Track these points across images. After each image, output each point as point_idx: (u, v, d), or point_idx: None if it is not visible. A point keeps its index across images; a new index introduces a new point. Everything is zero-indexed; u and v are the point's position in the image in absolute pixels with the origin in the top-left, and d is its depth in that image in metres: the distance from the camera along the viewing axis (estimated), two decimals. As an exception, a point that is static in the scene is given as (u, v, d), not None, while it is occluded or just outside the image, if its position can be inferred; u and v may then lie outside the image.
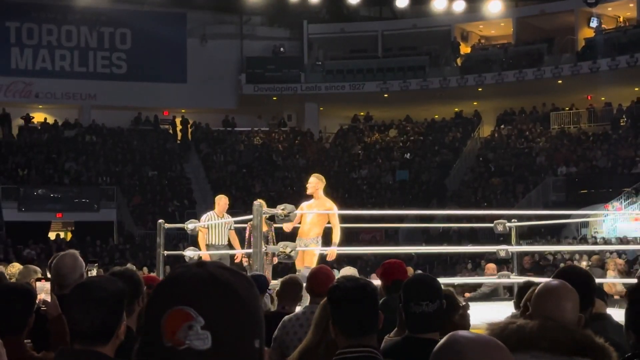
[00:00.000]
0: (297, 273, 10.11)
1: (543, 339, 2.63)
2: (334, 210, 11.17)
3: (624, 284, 13.61)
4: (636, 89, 36.55)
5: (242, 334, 1.43)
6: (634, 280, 11.20)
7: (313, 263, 10.66)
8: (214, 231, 13.08)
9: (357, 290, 3.56)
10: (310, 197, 11.35)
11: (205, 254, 12.79)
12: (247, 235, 12.39)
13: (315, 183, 11.27)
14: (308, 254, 10.94)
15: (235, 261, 13.01)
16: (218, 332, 1.40)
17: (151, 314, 1.43)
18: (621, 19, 39.85)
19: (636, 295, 3.75)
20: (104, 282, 3.21)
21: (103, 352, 3.02)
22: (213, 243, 13.05)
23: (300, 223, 11.29)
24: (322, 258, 11.24)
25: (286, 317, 5.62)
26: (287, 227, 11.52)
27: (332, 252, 11.05)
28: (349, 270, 8.14)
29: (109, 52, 41.54)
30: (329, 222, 11.19)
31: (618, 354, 3.51)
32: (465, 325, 5.71)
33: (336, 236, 10.96)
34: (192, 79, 41.54)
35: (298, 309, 6.13)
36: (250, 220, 11.28)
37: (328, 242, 11.17)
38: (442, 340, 1.98)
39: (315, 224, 11.22)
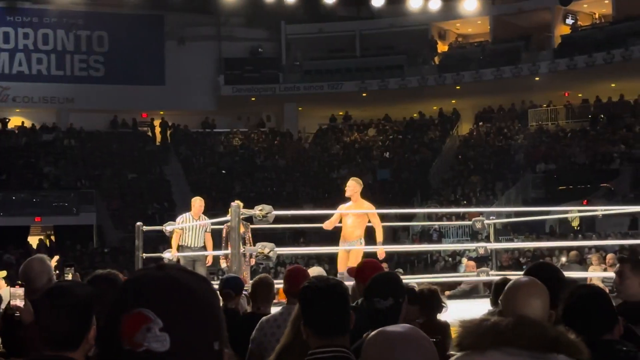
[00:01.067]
0: (338, 275, 10.48)
1: (517, 336, 2.63)
2: (373, 210, 11.64)
3: (603, 280, 13.67)
4: (613, 85, 36.74)
5: (201, 336, 1.42)
6: (612, 275, 11.25)
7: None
8: (188, 233, 13.05)
9: (327, 291, 3.56)
10: (347, 200, 11.79)
11: (175, 255, 12.78)
12: (224, 236, 12.39)
13: (354, 186, 11.67)
14: (354, 256, 11.17)
15: (207, 264, 12.98)
16: (176, 334, 1.39)
17: (110, 316, 1.43)
18: (597, 16, 40.06)
19: (568, 298, 3.76)
20: (72, 288, 3.19)
21: (73, 357, 3.00)
22: (188, 245, 13.02)
23: (340, 223, 11.73)
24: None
25: (264, 318, 5.62)
26: (326, 225, 11.97)
27: (381, 250, 11.55)
28: (316, 270, 8.13)
29: (87, 55, 41.34)
30: (369, 222, 11.59)
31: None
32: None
33: (380, 235, 11.58)
34: (170, 81, 41.41)
35: (273, 309, 6.13)
36: (226, 221, 11.35)
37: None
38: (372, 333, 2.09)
39: (357, 226, 11.61)
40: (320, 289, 3.57)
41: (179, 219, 13.27)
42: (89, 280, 3.95)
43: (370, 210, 11.61)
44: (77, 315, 3.02)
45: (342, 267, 11.36)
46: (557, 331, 2.72)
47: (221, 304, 6.77)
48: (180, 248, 13.05)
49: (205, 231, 13.05)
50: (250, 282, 8.10)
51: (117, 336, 1.40)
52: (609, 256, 15.24)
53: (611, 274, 12.76)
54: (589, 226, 28.98)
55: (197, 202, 13.23)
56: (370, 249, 11.68)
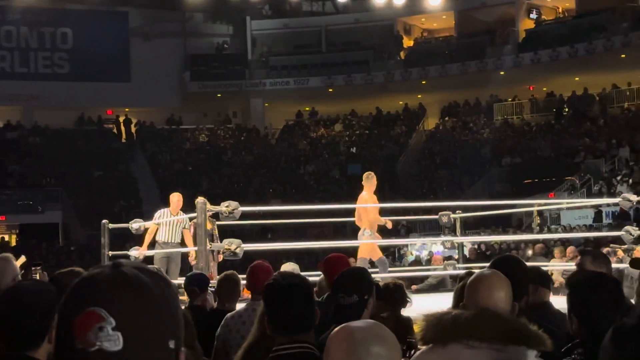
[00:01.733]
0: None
1: (478, 328, 2.65)
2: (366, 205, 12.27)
3: (563, 272, 13.80)
4: (577, 78, 37.02)
5: (155, 334, 1.41)
6: (573, 267, 11.36)
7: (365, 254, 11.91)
8: (165, 229, 12.95)
9: (290, 289, 3.56)
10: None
11: (146, 251, 12.70)
12: (192, 233, 12.34)
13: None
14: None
15: (189, 259, 12.90)
16: (129, 333, 1.38)
17: (64, 315, 1.42)
18: (560, 10, 40.36)
19: (575, 281, 3.80)
20: (33, 286, 3.17)
21: (35, 356, 2.98)
22: (164, 240, 12.92)
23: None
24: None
25: (228, 315, 5.60)
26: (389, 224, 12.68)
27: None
28: (289, 266, 8.12)
29: (50, 52, 41.01)
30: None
31: (554, 341, 3.56)
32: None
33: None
34: (135, 78, 41.16)
35: (239, 305, 6.12)
36: (193, 218, 11.37)
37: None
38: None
39: (357, 217, 12.53)
40: (284, 287, 3.56)
41: (157, 214, 13.16)
42: (51, 279, 3.91)
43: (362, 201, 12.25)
44: (38, 315, 3.00)
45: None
46: (519, 323, 2.74)
47: (187, 301, 6.77)
48: (157, 244, 12.96)
49: (183, 227, 12.96)
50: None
51: (70, 335, 1.39)
52: (569, 249, 15.38)
53: (572, 266, 12.92)
54: (554, 219, 29.20)
55: (176, 198, 13.13)
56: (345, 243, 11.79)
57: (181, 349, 1.46)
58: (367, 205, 12.14)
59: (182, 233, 13.01)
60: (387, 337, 2.25)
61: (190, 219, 11.96)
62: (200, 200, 10.43)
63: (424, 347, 2.78)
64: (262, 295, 3.79)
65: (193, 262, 12.53)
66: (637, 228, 12.05)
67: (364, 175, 12.50)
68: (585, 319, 3.52)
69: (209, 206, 10.40)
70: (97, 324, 1.37)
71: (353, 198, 14.96)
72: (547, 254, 17.90)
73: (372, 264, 12.38)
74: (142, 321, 1.40)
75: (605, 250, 14.24)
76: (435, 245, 23.40)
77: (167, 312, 1.45)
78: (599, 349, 3.19)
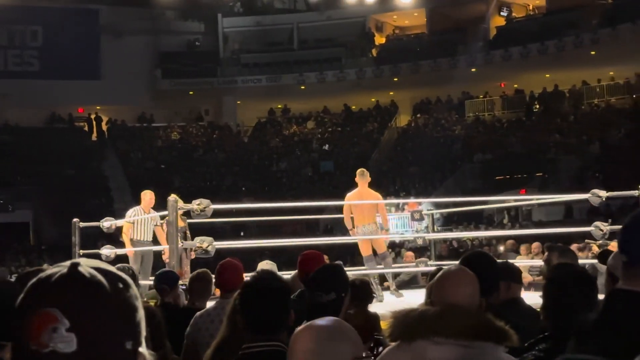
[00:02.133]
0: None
1: (444, 325, 2.66)
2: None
3: (530, 269, 13.89)
4: (547, 75, 37.25)
5: (110, 336, 1.40)
6: (540, 263, 11.44)
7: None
8: (138, 227, 12.91)
9: (267, 291, 3.56)
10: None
11: (130, 250, 12.64)
12: (164, 231, 12.30)
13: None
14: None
15: (163, 257, 12.85)
16: (84, 334, 1.37)
17: (18, 315, 1.41)
18: (531, 7, 40.58)
19: (551, 276, 3.83)
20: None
21: (1, 357, 2.96)
22: (138, 239, 12.88)
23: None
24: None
25: (198, 313, 5.60)
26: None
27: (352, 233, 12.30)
28: (266, 265, 8.12)
29: (20, 49, 40.68)
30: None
31: (523, 337, 3.58)
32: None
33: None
34: (106, 76, 40.90)
35: (210, 304, 6.11)
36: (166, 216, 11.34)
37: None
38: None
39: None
40: (261, 289, 3.56)
41: (130, 212, 13.10)
42: (17, 278, 3.88)
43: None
44: (1, 315, 2.97)
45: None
46: (485, 319, 2.75)
47: (158, 299, 6.74)
48: (130, 242, 12.91)
49: (155, 225, 12.92)
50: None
51: (25, 336, 1.37)
52: (534, 245, 15.47)
53: (537, 262, 13.01)
54: (525, 215, 29.39)
55: (148, 196, 13.10)
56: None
57: (139, 350, 1.45)
58: (357, 202, 12.17)
59: (154, 231, 12.97)
60: (350, 335, 2.26)
61: (162, 217, 11.91)
62: (171, 198, 10.39)
63: (391, 344, 2.79)
64: (232, 293, 3.78)
65: (167, 260, 12.50)
66: (606, 224, 12.15)
67: (359, 172, 12.46)
68: (556, 313, 3.55)
69: (180, 204, 10.37)
70: (51, 325, 1.36)
71: (325, 195, 15.03)
72: (518, 250, 18.01)
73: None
74: (97, 322, 1.39)
75: (577, 245, 14.34)
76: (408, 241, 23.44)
77: (124, 313, 1.43)
78: (565, 344, 3.23)
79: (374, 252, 12.13)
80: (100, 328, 1.39)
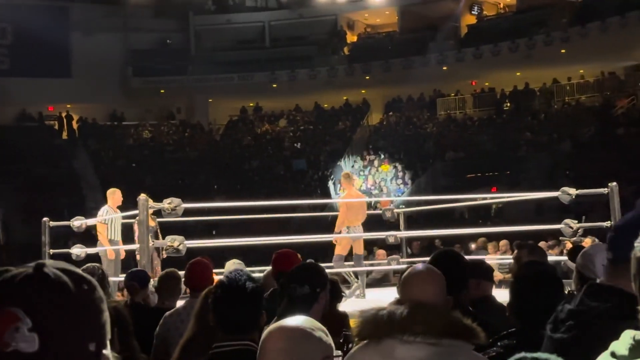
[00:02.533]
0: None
1: (412, 323, 2.67)
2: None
3: (499, 266, 13.97)
4: (518, 73, 37.46)
5: (73, 337, 1.40)
6: (508, 260, 11.51)
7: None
8: (112, 226, 12.86)
9: (240, 291, 3.55)
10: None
11: (110, 251, 12.58)
12: (135, 230, 12.28)
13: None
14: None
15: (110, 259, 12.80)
16: (46, 334, 1.37)
17: None
18: (502, 5, 40.78)
19: (519, 274, 3.86)
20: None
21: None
22: (111, 238, 12.83)
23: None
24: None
25: (167, 313, 5.58)
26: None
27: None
28: (233, 265, 8.11)
29: (-10, 47, 40.33)
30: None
31: (493, 335, 3.60)
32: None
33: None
34: (77, 74, 40.61)
35: (179, 303, 6.10)
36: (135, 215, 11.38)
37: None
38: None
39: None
40: (233, 289, 3.56)
41: (102, 211, 13.01)
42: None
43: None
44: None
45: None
46: (452, 317, 2.77)
47: (127, 298, 6.72)
48: (110, 242, 12.85)
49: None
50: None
51: None
52: (502, 242, 15.56)
53: (506, 259, 13.09)
54: (497, 213, 29.53)
55: (116, 194, 13.08)
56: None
57: (103, 352, 1.45)
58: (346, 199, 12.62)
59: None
60: (321, 334, 2.26)
61: (133, 217, 11.89)
62: (142, 197, 10.37)
63: (360, 343, 2.80)
64: (201, 292, 3.77)
65: (111, 258, 12.51)
66: (576, 221, 12.24)
67: (344, 175, 12.86)
68: (522, 311, 3.58)
69: (151, 203, 10.33)
70: (13, 325, 1.36)
71: (298, 194, 15.08)
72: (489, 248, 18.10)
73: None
74: (60, 323, 1.39)
75: (546, 243, 14.43)
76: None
77: (88, 315, 1.44)
78: (530, 341, 3.25)
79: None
80: (63, 329, 1.39)
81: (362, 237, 12.73)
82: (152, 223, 11.72)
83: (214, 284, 3.96)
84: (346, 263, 12.89)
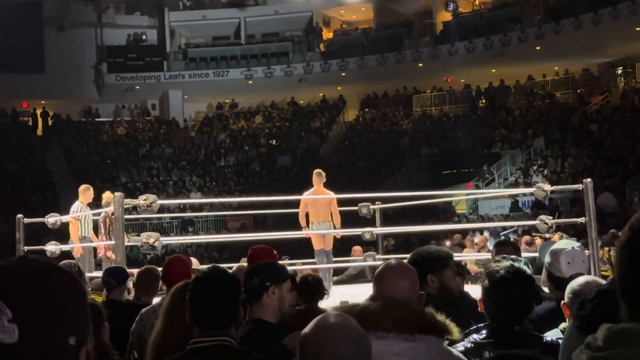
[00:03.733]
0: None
1: (386, 319, 2.68)
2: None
3: (477, 262, 14.04)
4: (493, 70, 37.60)
5: (53, 329, 1.41)
6: (486, 256, 11.56)
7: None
8: (85, 222, 12.83)
9: (217, 287, 3.54)
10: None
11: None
12: (102, 227, 12.37)
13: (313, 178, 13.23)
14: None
15: (100, 254, 12.76)
16: (26, 326, 1.38)
17: None
18: (477, 2, 40.91)
19: (489, 271, 3.87)
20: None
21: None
22: (83, 235, 12.79)
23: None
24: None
25: (143, 309, 5.55)
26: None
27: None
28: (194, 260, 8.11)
29: (-38, 43, 39.93)
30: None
31: (465, 330, 3.61)
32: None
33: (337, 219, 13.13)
34: (50, 69, 40.35)
35: (156, 300, 6.07)
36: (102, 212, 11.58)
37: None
38: None
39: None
40: (210, 285, 3.55)
41: (75, 208, 12.96)
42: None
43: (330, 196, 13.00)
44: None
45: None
46: (424, 313, 2.79)
47: (104, 295, 6.68)
48: (81, 239, 12.81)
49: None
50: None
51: None
52: (479, 238, 15.64)
53: (484, 255, 13.15)
54: (472, 209, 29.67)
55: (90, 191, 13.07)
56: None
57: (83, 346, 1.46)
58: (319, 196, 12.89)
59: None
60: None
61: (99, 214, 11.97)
62: (117, 194, 10.31)
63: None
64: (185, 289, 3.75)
65: (101, 255, 12.50)
66: (551, 217, 12.30)
67: (316, 173, 13.11)
68: (493, 308, 3.59)
69: (126, 200, 10.29)
70: None
71: (275, 190, 15.14)
72: (464, 245, 18.20)
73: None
74: (41, 315, 1.40)
75: (526, 239, 14.52)
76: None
77: (69, 308, 1.45)
78: (501, 336, 3.27)
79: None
80: (43, 321, 1.40)
81: (332, 233, 12.88)
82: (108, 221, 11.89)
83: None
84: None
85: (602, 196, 23.16)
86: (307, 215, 12.97)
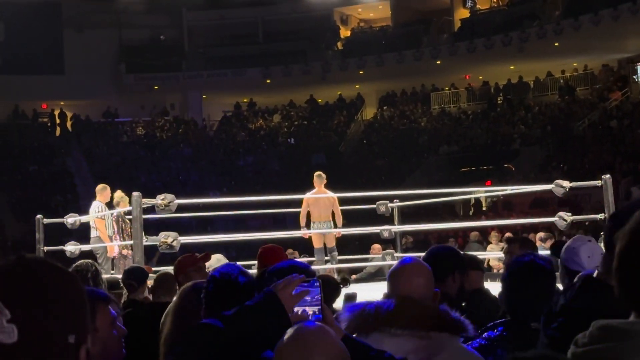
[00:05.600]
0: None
1: (400, 317, 2.68)
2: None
3: (500, 258, 13.98)
4: (511, 67, 37.47)
5: (52, 329, 1.42)
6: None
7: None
8: (108, 222, 12.90)
9: (232, 287, 3.53)
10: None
11: (111, 246, 12.61)
12: (115, 227, 12.49)
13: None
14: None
15: (109, 255, 12.81)
16: (25, 326, 1.38)
17: None
18: (495, -1, 40.78)
19: (510, 268, 3.87)
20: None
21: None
22: (110, 234, 12.86)
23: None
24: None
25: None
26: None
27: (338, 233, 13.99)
28: (216, 258, 8.09)
29: (-18, 45, 40.23)
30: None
31: (484, 327, 3.61)
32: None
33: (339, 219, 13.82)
34: (70, 70, 40.58)
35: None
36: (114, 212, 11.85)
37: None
38: None
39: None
40: (225, 285, 3.53)
41: (96, 208, 13.01)
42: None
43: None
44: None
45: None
46: (439, 310, 2.78)
47: (125, 295, 6.70)
48: (110, 239, 12.87)
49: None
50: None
51: None
52: (507, 235, 15.58)
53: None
54: (492, 206, 29.56)
55: (107, 191, 13.15)
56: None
57: (83, 344, 1.46)
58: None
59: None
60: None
61: (127, 213, 11.97)
62: (135, 194, 10.36)
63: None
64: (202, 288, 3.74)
65: (112, 255, 12.56)
66: (570, 214, 12.25)
67: (316, 175, 13.58)
68: (513, 305, 3.59)
69: (144, 200, 10.33)
70: None
71: (295, 189, 15.18)
72: (483, 242, 18.13)
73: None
74: (39, 315, 1.41)
75: (541, 235, 14.44)
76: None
77: (68, 306, 1.45)
78: (519, 333, 3.26)
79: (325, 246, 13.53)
80: (42, 321, 1.41)
81: (332, 233, 13.43)
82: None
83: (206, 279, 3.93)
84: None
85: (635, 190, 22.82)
86: (308, 216, 13.50)
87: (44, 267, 1.46)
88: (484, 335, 3.48)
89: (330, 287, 5.99)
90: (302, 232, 13.35)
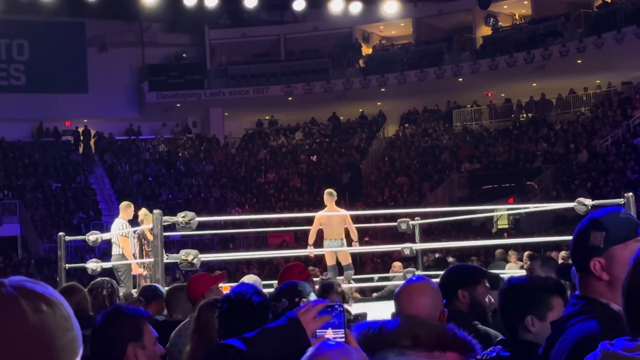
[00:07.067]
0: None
1: (404, 336, 2.66)
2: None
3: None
4: (534, 84, 37.37)
5: (21, 355, 1.37)
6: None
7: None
8: (131, 239, 12.96)
9: (246, 306, 3.53)
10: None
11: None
12: (137, 244, 12.56)
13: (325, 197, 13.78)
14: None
15: (132, 273, 12.84)
16: None
17: None
18: (517, 16, 40.70)
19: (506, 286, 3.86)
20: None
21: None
22: (134, 252, 12.91)
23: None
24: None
25: (174, 331, 5.55)
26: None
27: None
28: (250, 278, 8.10)
29: (7, 64, 40.54)
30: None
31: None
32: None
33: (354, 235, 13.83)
34: (93, 89, 40.84)
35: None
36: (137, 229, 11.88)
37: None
38: None
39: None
40: (239, 303, 3.53)
41: (119, 225, 13.05)
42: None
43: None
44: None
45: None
46: (445, 329, 2.76)
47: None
48: (120, 256, 12.91)
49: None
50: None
51: None
52: (526, 253, 15.47)
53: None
54: (514, 225, 29.42)
55: (131, 208, 13.22)
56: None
57: None
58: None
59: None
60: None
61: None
62: (156, 211, 10.38)
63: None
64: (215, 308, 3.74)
65: (136, 272, 12.59)
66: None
67: (327, 192, 13.56)
68: (507, 322, 3.58)
69: (165, 217, 10.34)
70: None
71: (316, 207, 15.22)
72: (507, 259, 18.01)
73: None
74: (10, 346, 1.37)
75: (564, 253, 14.33)
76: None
77: (42, 336, 1.40)
78: (520, 351, 3.23)
79: (339, 263, 13.69)
80: (11, 352, 1.37)
81: (341, 251, 13.54)
82: (150, 237, 11.93)
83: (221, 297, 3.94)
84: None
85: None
86: (320, 234, 13.58)
87: (21, 293, 1.41)
88: (483, 353, 3.45)
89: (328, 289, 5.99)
90: (309, 251, 13.50)
